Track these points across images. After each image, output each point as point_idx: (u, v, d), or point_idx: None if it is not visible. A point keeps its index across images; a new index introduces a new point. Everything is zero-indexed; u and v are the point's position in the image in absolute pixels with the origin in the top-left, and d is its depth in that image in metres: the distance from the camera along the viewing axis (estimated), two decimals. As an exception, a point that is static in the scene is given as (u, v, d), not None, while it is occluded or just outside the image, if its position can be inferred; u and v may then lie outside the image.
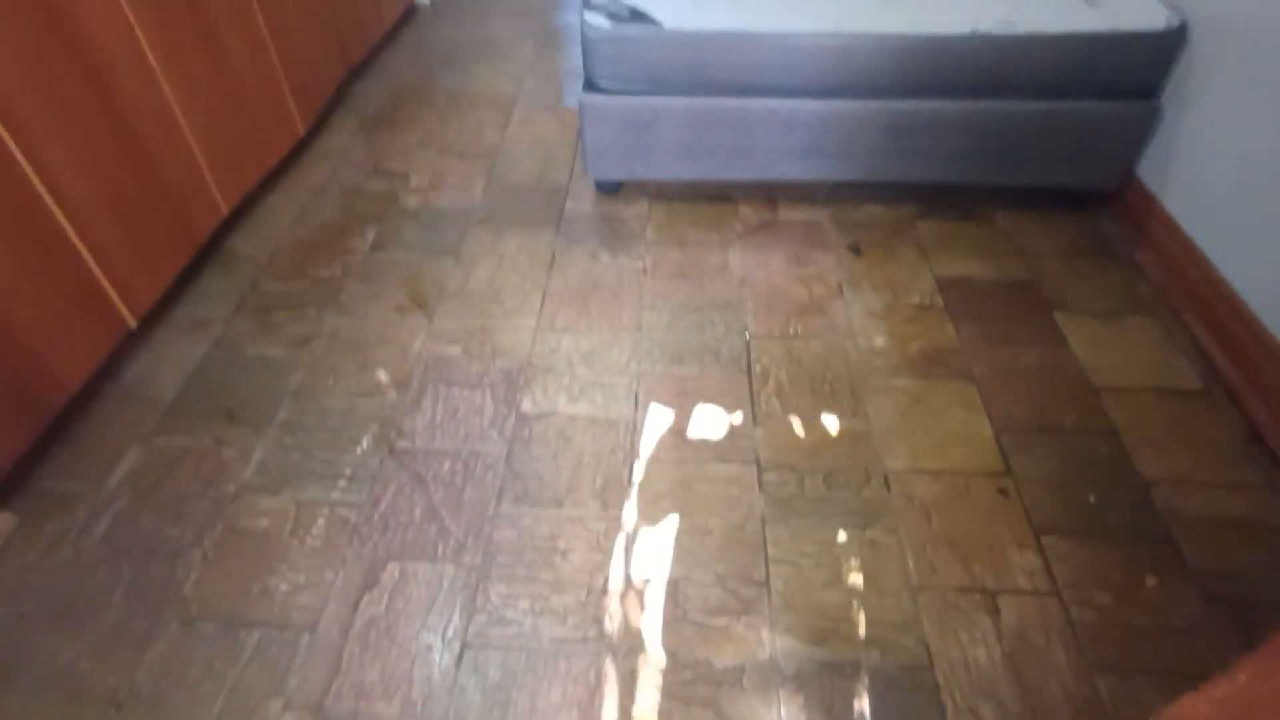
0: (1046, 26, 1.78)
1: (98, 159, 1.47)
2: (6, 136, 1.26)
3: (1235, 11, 1.66)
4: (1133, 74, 1.83)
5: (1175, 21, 1.77)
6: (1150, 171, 1.92)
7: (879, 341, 1.66)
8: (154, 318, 1.71)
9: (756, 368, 1.61)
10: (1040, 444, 1.46)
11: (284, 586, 1.24)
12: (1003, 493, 1.37)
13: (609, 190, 2.13)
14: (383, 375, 1.59)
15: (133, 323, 1.58)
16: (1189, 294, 1.72)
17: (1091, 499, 1.37)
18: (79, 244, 1.43)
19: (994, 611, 1.20)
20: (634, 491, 1.38)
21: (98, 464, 1.42)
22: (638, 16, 1.83)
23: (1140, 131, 1.90)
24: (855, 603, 1.22)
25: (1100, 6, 1.82)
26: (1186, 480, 1.39)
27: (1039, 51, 1.79)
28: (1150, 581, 1.25)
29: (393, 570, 1.26)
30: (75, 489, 1.38)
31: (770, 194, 2.12)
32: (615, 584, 1.24)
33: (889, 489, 1.38)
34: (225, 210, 1.88)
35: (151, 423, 1.50)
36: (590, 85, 1.92)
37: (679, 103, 1.89)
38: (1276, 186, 1.52)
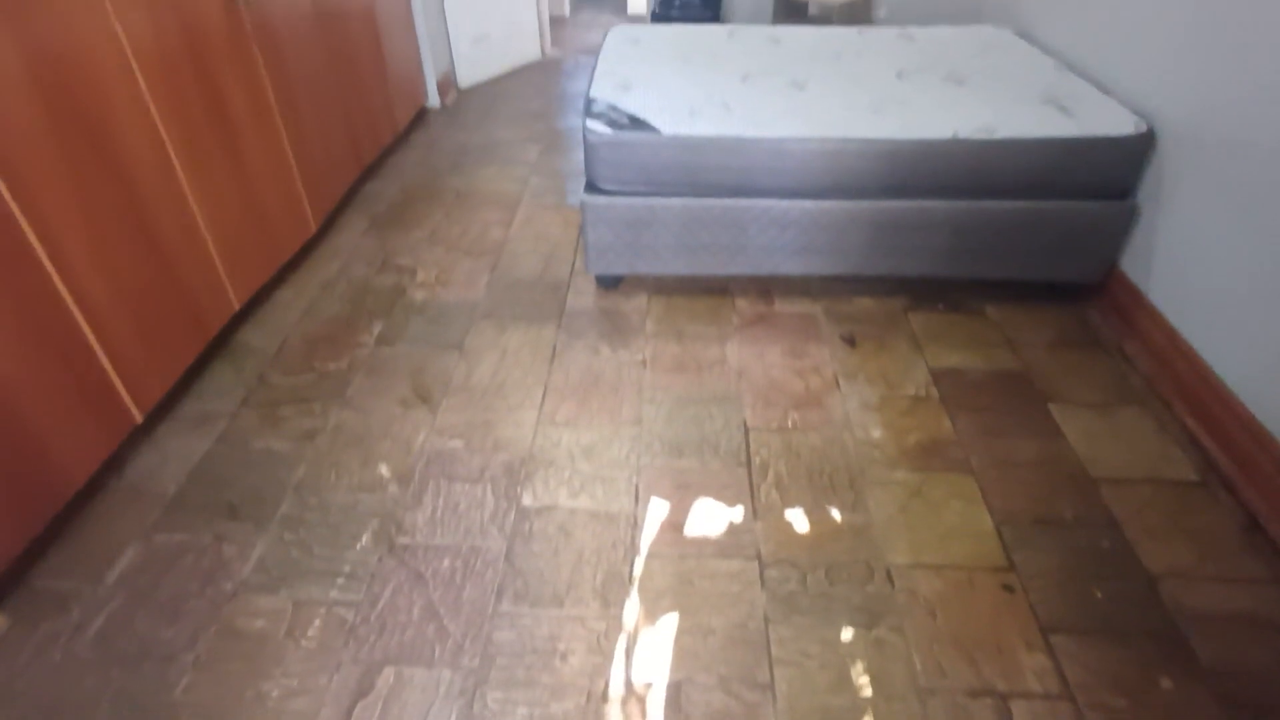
0: (1023, 132, 1.88)
1: (118, 256, 1.53)
2: (32, 235, 1.32)
3: (1198, 120, 1.76)
4: (1107, 176, 1.92)
5: (1143, 127, 1.87)
6: (1133, 265, 1.99)
7: (876, 434, 1.68)
8: (160, 411, 1.74)
9: (756, 461, 1.62)
10: (1042, 537, 1.45)
11: (276, 692, 1.21)
12: (1008, 589, 1.36)
13: (609, 285, 2.20)
14: (385, 470, 1.60)
15: (139, 417, 1.60)
16: (1178, 385, 1.75)
17: (1098, 594, 1.35)
18: (92, 340, 1.47)
19: (1006, 717, 1.17)
20: (634, 589, 1.36)
21: (95, 562, 1.41)
22: (637, 123, 1.94)
23: (1119, 229, 1.98)
24: (863, 707, 1.19)
25: (1073, 114, 1.93)
26: (1191, 574, 1.38)
27: (1017, 155, 1.89)
28: (1165, 684, 1.22)
29: (388, 675, 1.23)
30: (71, 588, 1.37)
31: (765, 287, 2.18)
32: (616, 688, 1.21)
33: (893, 585, 1.37)
34: (237, 305, 1.94)
35: (152, 519, 1.50)
36: (592, 187, 2.01)
37: (677, 203, 1.98)
38: (1254, 282, 1.57)
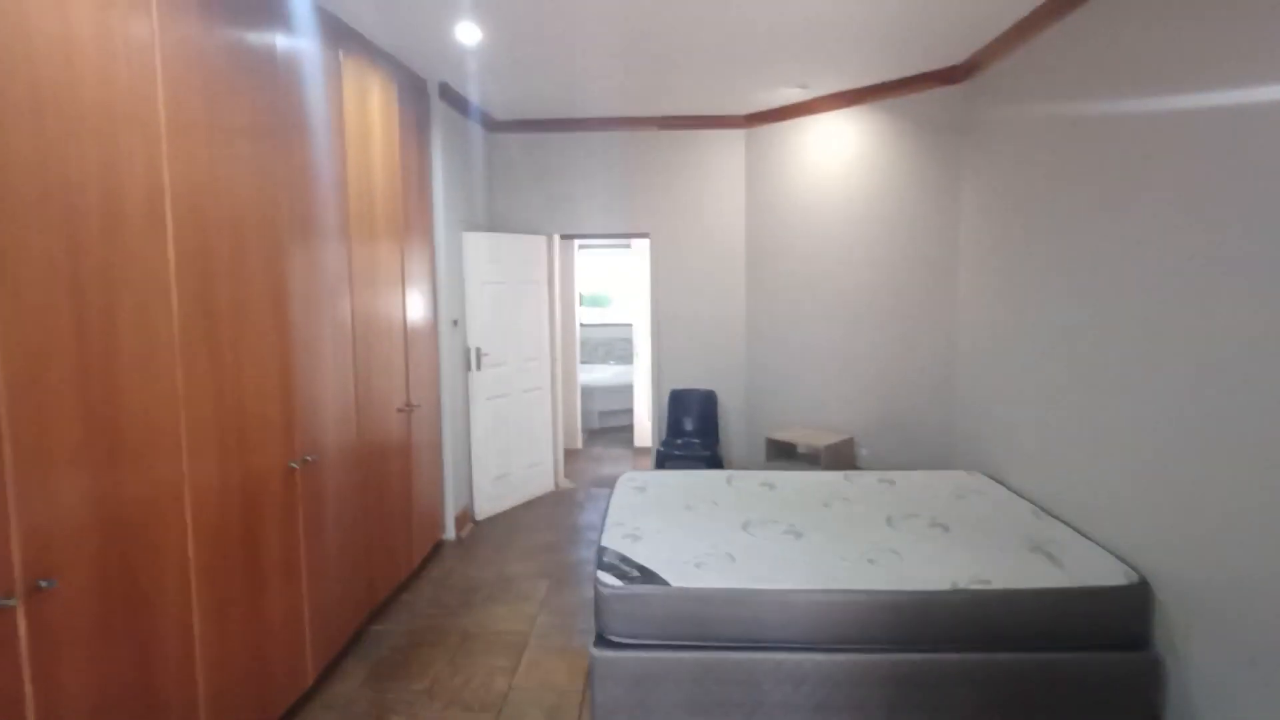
0: (1018, 583, 1.95)
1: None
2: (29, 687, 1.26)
3: (1193, 571, 1.83)
4: (1111, 625, 1.92)
5: (1135, 577, 1.94)
6: (1178, 724, 1.86)
7: None
8: None
9: None
10: None
11: None
12: None
13: (618, 753, 2.03)
14: None
15: None
16: None
17: None
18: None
19: None
20: None
21: None
22: (646, 575, 2.02)
23: (1148, 682, 1.90)
24: None
25: (1062, 564, 2.02)
26: None
27: (1018, 605, 1.92)
28: None
29: None
30: None
31: (788, 749, 2.01)
32: None
33: None
34: (206, 789, 1.76)
35: None
36: (602, 640, 2.00)
37: (688, 656, 1.94)
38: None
